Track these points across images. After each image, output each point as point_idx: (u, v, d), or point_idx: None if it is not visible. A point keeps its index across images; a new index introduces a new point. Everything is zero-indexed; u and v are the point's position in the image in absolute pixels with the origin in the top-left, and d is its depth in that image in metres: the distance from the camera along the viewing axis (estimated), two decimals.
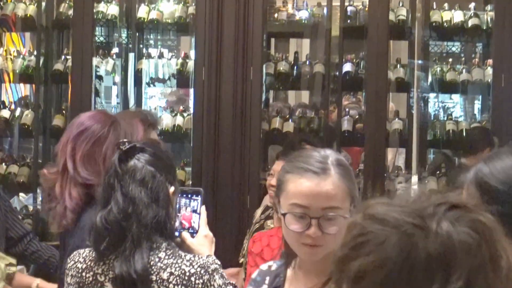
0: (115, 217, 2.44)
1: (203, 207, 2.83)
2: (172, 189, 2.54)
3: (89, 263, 2.53)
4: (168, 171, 2.58)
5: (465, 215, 1.30)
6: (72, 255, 2.56)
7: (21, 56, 5.43)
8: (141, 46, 6.15)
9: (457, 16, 5.34)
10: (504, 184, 2.07)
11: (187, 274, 2.47)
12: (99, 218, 2.46)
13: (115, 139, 2.89)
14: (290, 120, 5.30)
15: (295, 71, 5.43)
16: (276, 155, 4.32)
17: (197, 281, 2.47)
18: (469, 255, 1.24)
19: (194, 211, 2.85)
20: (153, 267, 2.46)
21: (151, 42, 7.17)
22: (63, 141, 2.89)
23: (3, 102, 5.65)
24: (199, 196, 2.87)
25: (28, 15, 5.36)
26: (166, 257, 2.48)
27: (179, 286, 2.47)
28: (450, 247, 1.25)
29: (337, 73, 5.32)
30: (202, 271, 2.49)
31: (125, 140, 2.63)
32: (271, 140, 5.36)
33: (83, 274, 2.52)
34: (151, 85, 5.99)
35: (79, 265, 2.53)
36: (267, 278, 2.40)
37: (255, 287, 2.43)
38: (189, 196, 2.86)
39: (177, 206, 2.71)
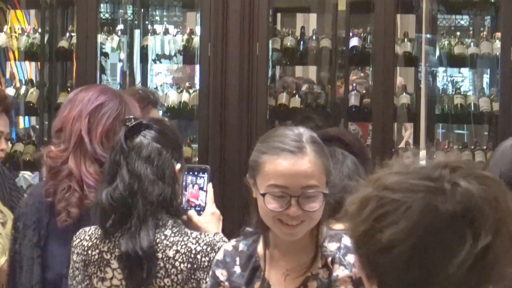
0: (120, 194, 2.45)
1: (210, 184, 2.81)
2: (178, 166, 2.56)
3: (95, 240, 2.52)
4: (174, 148, 2.59)
5: (471, 173, 1.34)
6: (77, 233, 2.56)
7: (26, 33, 5.49)
8: (146, 22, 6.18)
9: None
10: None
11: (193, 252, 2.46)
12: (104, 195, 2.46)
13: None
14: (297, 96, 5.37)
15: (301, 46, 5.50)
16: None
17: (203, 259, 2.47)
18: (491, 209, 1.28)
19: (201, 188, 2.83)
20: (159, 245, 2.46)
21: (157, 18, 7.26)
22: (72, 115, 2.83)
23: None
24: (206, 173, 2.85)
25: None
26: (172, 234, 2.48)
27: (185, 264, 2.46)
28: (473, 203, 1.29)
29: (344, 48, 5.39)
30: (208, 249, 2.48)
31: (131, 116, 2.64)
32: (277, 116, 5.43)
33: (89, 252, 2.52)
34: (157, 62, 6.06)
35: (85, 243, 2.53)
36: (237, 259, 2.40)
37: (225, 268, 2.42)
38: (196, 173, 2.84)
39: (184, 183, 2.70)
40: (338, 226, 2.70)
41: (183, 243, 2.48)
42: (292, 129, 2.38)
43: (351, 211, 1.42)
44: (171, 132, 2.65)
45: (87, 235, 2.55)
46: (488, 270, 1.32)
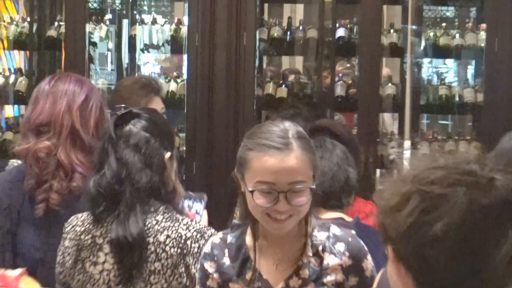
0: (108, 182, 2.49)
1: (205, 211, 3.01)
2: (168, 154, 2.58)
3: (87, 226, 2.55)
4: (164, 137, 2.62)
5: (498, 167, 1.41)
6: (69, 220, 2.59)
7: (15, 22, 5.47)
8: (134, 12, 6.19)
9: None
10: None
11: (184, 237, 2.50)
12: (92, 183, 2.49)
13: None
14: (283, 86, 5.40)
15: (288, 37, 5.52)
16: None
17: (193, 245, 2.51)
18: None
19: (197, 213, 2.99)
20: (150, 230, 2.49)
21: (145, 8, 7.25)
22: (60, 109, 2.87)
23: None
24: (202, 201, 3.04)
25: None
26: (164, 220, 2.51)
27: (175, 249, 2.50)
28: (511, 196, 1.36)
29: (331, 38, 5.41)
30: (198, 236, 2.52)
31: (122, 105, 2.67)
32: (264, 106, 5.47)
33: (82, 236, 2.55)
34: (145, 52, 6.08)
35: (78, 228, 2.56)
36: (226, 251, 2.43)
37: (213, 260, 2.46)
38: (193, 200, 3.02)
39: (181, 206, 2.76)
40: (328, 215, 2.93)
41: (174, 228, 2.51)
42: (278, 125, 2.39)
43: (391, 206, 1.45)
44: (162, 121, 2.69)
45: (79, 221, 2.58)
46: None
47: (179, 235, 2.51)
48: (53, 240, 2.73)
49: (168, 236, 2.51)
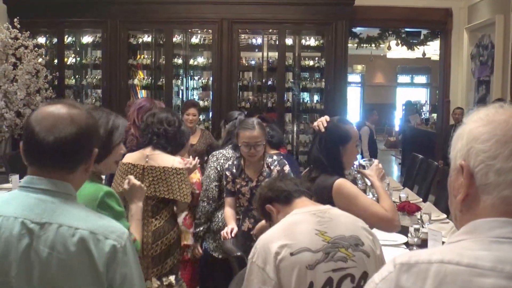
0: None
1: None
2: None
3: None
4: None
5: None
6: None
7: None
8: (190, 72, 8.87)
9: None
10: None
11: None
12: None
13: None
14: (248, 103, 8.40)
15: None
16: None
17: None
18: None
19: None
20: None
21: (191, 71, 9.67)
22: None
23: None
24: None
25: None
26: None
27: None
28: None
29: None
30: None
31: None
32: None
33: None
34: (194, 90, 9.08)
35: None
36: (234, 166, 4.02)
37: (229, 170, 4.04)
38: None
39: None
40: (274, 152, 4.70)
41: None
42: (250, 118, 3.91)
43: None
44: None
45: None
46: None
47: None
48: None
49: None
